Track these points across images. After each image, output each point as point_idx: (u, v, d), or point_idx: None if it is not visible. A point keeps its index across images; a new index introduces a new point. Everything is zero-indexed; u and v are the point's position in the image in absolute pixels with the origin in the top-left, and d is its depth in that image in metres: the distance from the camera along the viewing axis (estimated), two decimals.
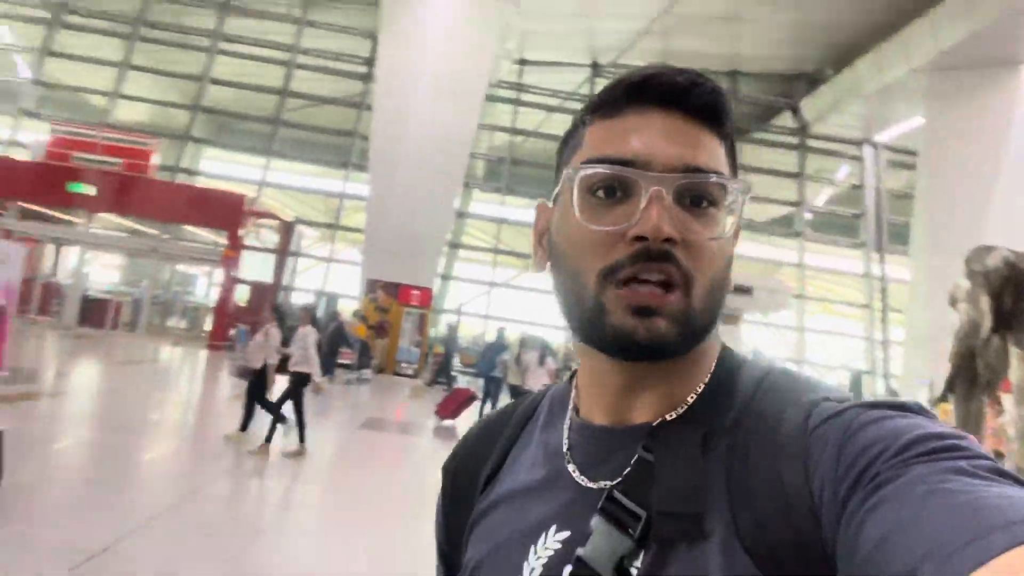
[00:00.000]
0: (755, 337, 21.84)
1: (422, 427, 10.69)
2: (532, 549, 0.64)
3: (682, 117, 0.63)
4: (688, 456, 0.59)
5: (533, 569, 0.62)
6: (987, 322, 5.18)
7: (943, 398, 5.51)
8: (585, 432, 0.68)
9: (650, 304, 0.59)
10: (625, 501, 0.59)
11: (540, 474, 0.68)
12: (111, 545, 4.30)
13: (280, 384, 7.91)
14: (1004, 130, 16.77)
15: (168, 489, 6.00)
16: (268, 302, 9.63)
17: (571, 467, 0.66)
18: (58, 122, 18.10)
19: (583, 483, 0.64)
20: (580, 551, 0.59)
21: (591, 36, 23.12)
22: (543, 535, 0.64)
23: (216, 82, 22.56)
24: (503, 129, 23.70)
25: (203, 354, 16.21)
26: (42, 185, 16.28)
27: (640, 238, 0.58)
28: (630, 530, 0.57)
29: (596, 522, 0.59)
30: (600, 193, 0.62)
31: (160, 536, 4.69)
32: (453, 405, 10.52)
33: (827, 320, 24.19)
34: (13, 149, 20.53)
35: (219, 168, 24.18)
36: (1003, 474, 0.46)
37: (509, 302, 22.63)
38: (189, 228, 18.83)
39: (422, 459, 8.95)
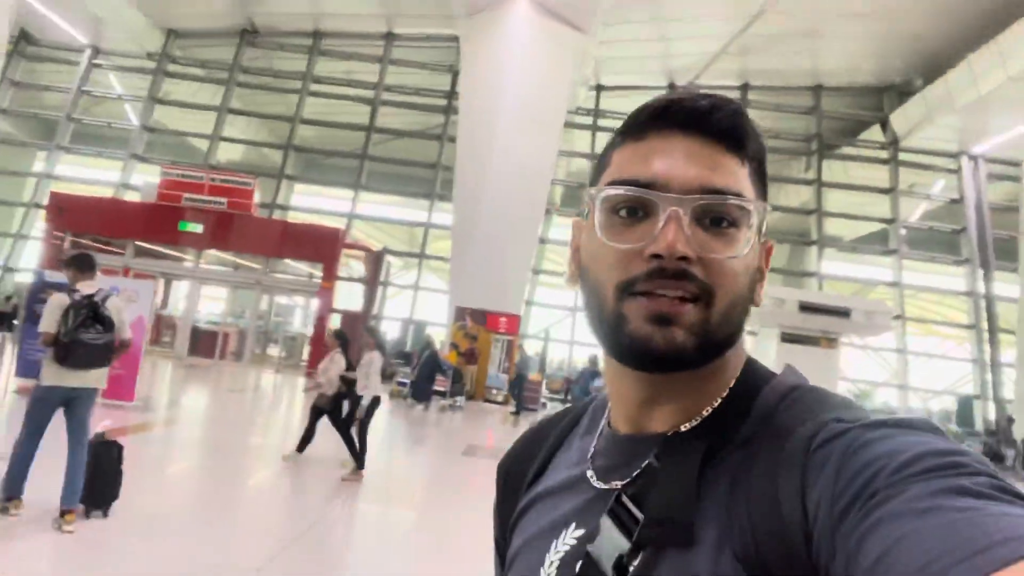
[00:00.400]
0: (853, 361, 21.07)
1: None
2: (554, 544, 0.69)
3: (703, 140, 0.65)
4: (686, 467, 0.61)
5: (552, 562, 0.67)
6: None
7: None
8: (610, 440, 0.72)
9: (667, 313, 0.61)
10: (629, 504, 0.63)
11: (569, 476, 0.73)
12: (263, 565, 4.59)
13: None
14: None
15: (293, 514, 6.31)
16: (333, 329, 9.36)
17: (589, 472, 0.71)
18: (168, 165, 19.34)
19: (599, 486, 0.68)
20: (589, 547, 0.63)
21: (667, 59, 23.16)
22: (563, 532, 0.69)
23: (306, 122, 23.69)
24: (581, 155, 23.93)
25: (302, 381, 16.89)
26: (155, 225, 17.43)
27: (657, 256, 0.62)
28: (631, 531, 0.61)
29: (604, 522, 0.63)
30: (623, 212, 0.65)
31: (303, 558, 4.95)
32: None
33: (929, 342, 23.07)
34: (124, 191, 22.08)
35: (310, 202, 25.28)
36: (1005, 491, 0.47)
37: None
38: (288, 261, 19.72)
39: None
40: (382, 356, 7.84)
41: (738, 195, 0.64)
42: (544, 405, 17.11)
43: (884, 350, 21.39)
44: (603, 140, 18.07)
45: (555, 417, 0.85)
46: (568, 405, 0.87)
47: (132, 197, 20.82)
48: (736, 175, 0.65)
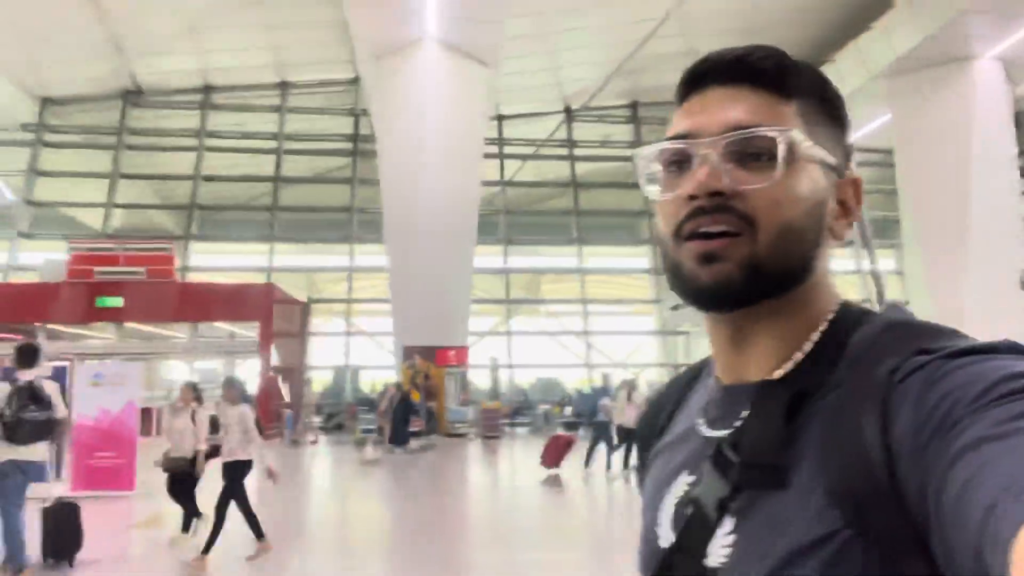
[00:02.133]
0: None
1: (532, 479, 11.12)
2: (671, 489, 0.73)
3: (736, 87, 0.67)
4: (774, 412, 0.63)
5: (668, 506, 0.72)
6: None
7: None
8: (714, 391, 0.74)
9: (712, 250, 0.64)
10: (728, 452, 0.65)
11: (685, 428, 0.77)
12: None
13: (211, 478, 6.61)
14: (968, 122, 18.19)
15: None
16: (184, 382, 7.56)
17: (700, 422, 0.74)
18: (76, 240, 18.16)
19: (707, 436, 0.71)
20: (695, 491, 0.67)
21: (562, 86, 24.26)
22: (678, 478, 0.73)
23: (208, 178, 22.90)
24: (492, 183, 24.41)
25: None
26: (69, 304, 16.32)
27: (693, 196, 0.65)
28: (730, 476, 0.64)
29: (707, 468, 0.67)
30: (672, 168, 0.69)
31: None
32: (555, 452, 10.88)
33: None
34: (14, 273, 20.47)
35: (209, 262, 24.18)
36: None
37: (522, 349, 23.24)
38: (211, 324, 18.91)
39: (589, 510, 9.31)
40: (251, 410, 6.47)
41: (765, 126, 0.65)
42: (504, 431, 17.34)
43: None
44: (510, 166, 18.70)
45: (681, 375, 0.89)
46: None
47: (23, 278, 19.38)
48: (772, 111, 0.66)
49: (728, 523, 0.63)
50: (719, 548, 0.62)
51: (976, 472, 0.45)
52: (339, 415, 19.18)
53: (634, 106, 25.42)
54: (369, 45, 18.11)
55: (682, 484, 0.71)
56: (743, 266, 0.63)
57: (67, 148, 23.05)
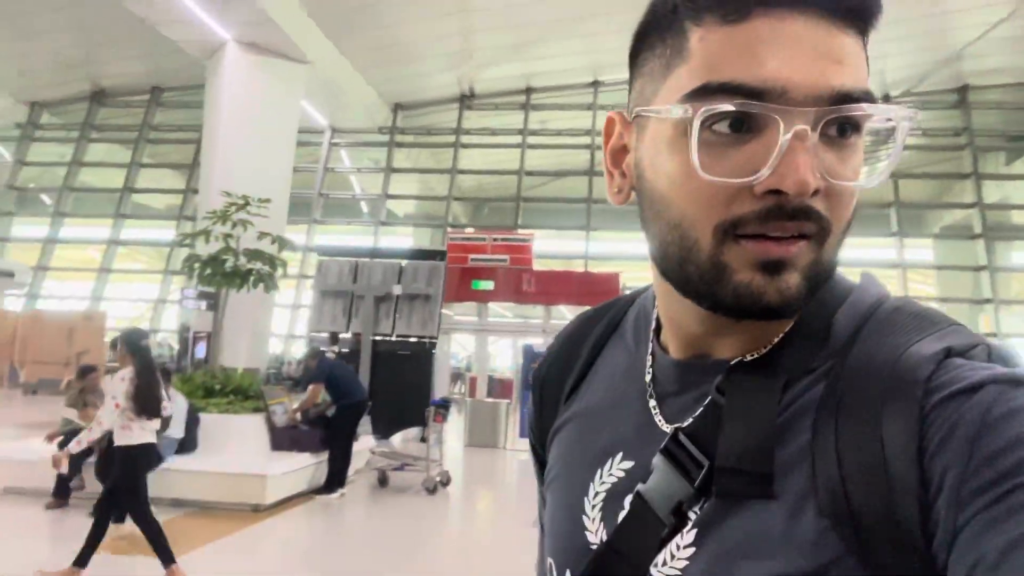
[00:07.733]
0: None
1: None
2: (599, 472, 0.62)
3: (824, 20, 0.48)
4: (763, 408, 0.51)
5: (597, 492, 0.61)
6: None
7: None
8: (662, 362, 0.62)
9: (781, 257, 0.49)
10: (689, 446, 0.54)
11: (614, 396, 0.65)
12: None
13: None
14: None
15: None
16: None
17: (652, 401, 0.61)
18: (453, 230, 21.21)
19: (657, 419, 0.59)
20: (640, 487, 0.56)
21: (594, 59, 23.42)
22: (609, 460, 0.61)
23: (530, 173, 25.30)
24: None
25: None
26: (453, 285, 19.20)
27: (775, 191, 0.47)
28: (692, 475, 0.53)
29: (658, 461, 0.55)
30: (721, 127, 0.49)
31: None
32: None
33: None
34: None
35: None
36: None
37: None
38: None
39: None
40: (145, 375, 4.62)
41: (874, 101, 0.49)
42: None
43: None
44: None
45: (588, 321, 0.74)
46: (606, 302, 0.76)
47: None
48: (861, 66, 0.50)
49: (688, 534, 0.53)
50: (672, 559, 0.53)
51: (1014, 545, 0.38)
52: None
53: None
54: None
55: (616, 468, 0.61)
56: (807, 276, 0.50)
57: (408, 148, 26.74)
